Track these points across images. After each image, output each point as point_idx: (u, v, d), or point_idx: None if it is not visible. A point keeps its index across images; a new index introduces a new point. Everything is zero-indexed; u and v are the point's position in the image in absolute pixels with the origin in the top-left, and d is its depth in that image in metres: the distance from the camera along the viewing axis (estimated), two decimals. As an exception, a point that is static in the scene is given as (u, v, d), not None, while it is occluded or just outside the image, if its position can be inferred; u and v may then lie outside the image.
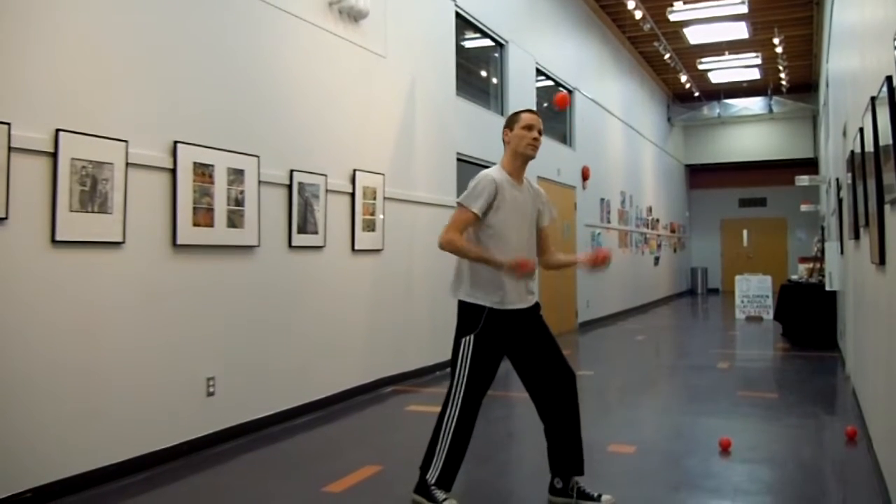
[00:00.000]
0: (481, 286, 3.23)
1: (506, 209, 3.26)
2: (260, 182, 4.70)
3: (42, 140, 3.38)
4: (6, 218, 3.21)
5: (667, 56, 13.33)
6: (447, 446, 3.20)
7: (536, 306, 3.39)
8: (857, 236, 4.86)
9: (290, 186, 5.02)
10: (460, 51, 7.79)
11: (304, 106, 5.22)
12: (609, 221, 12.62)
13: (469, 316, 3.24)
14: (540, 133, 3.34)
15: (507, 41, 8.77)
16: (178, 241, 4.10)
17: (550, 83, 10.45)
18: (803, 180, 12.04)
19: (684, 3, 11.23)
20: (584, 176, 11.32)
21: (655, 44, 12.82)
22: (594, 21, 12.05)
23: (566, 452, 3.30)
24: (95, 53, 3.67)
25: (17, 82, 3.30)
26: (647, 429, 5.01)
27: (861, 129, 3.99)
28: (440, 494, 3.17)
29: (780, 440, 4.65)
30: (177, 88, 4.16)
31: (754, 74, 15.88)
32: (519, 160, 3.34)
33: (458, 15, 7.58)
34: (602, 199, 12.27)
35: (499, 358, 3.30)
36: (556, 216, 3.51)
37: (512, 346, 3.31)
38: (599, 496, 3.25)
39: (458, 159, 7.45)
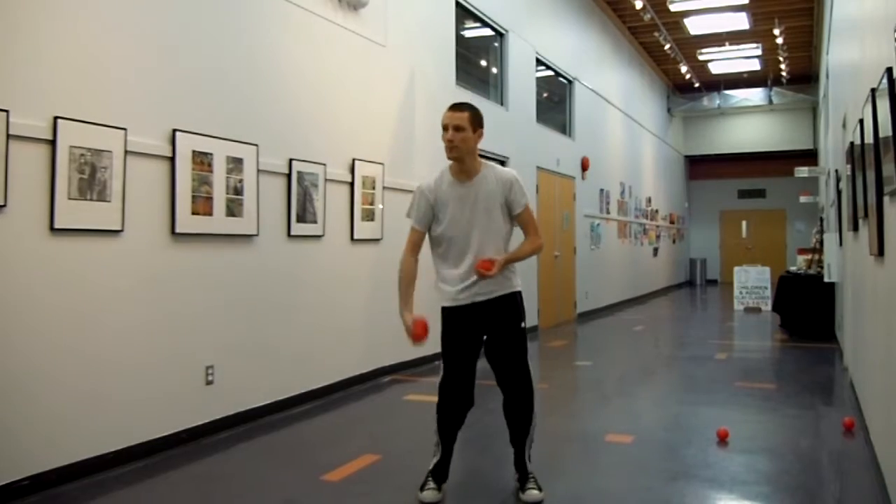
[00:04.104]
0: (439, 285, 3.35)
1: (448, 213, 3.21)
2: (259, 171, 4.69)
3: (40, 127, 3.37)
4: (4, 205, 3.20)
5: (667, 46, 13.28)
6: (436, 437, 3.29)
7: (505, 299, 3.25)
8: (856, 228, 4.85)
9: (289, 175, 5.01)
10: (460, 40, 7.76)
11: (304, 95, 5.21)
12: (608, 212, 12.61)
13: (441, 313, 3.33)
14: (458, 129, 3.08)
15: (507, 31, 8.73)
16: (177, 230, 4.10)
17: (550, 73, 10.41)
18: (803, 171, 12.02)
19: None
20: (584, 166, 11.30)
21: (656, 34, 12.77)
22: (594, 11, 12.01)
23: (514, 451, 3.35)
24: (94, 41, 3.65)
25: (16, 69, 3.28)
26: (645, 419, 5.02)
27: (861, 121, 3.98)
28: (429, 484, 3.25)
29: (778, 431, 4.67)
30: (176, 77, 4.15)
31: (754, 65, 15.83)
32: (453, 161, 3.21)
33: (458, 4, 7.54)
34: (601, 190, 12.25)
35: (469, 349, 3.26)
36: (526, 201, 3.24)
37: (480, 334, 3.29)
38: (526, 489, 3.26)
39: (458, 149, 7.42)
